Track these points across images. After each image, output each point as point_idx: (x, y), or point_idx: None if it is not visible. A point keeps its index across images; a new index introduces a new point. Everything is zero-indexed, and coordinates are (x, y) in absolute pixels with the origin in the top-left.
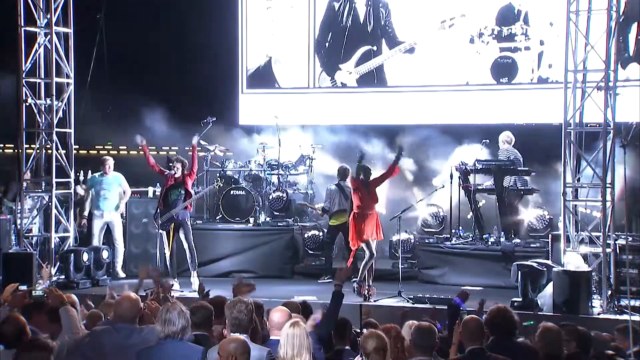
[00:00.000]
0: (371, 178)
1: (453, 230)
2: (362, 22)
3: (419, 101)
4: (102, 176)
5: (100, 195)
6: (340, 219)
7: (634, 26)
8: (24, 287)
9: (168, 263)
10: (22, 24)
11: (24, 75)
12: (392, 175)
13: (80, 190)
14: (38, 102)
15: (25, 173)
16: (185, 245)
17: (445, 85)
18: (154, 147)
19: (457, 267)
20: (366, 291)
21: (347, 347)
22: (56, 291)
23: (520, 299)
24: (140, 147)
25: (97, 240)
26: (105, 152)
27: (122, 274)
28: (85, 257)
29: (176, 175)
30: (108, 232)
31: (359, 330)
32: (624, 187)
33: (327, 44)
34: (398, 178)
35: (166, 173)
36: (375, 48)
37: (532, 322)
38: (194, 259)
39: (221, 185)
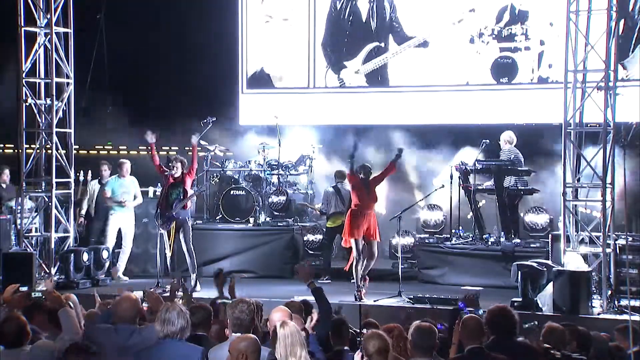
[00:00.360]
0: (371, 177)
1: (453, 230)
2: (364, 20)
3: (419, 101)
4: (120, 178)
5: (123, 197)
6: (336, 221)
7: (619, 25)
8: (24, 288)
9: (169, 263)
10: (22, 24)
11: (24, 75)
12: (390, 173)
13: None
14: (38, 102)
15: (4, 174)
16: (185, 249)
17: (445, 85)
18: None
19: (457, 267)
20: (363, 291)
21: (346, 348)
22: (54, 293)
23: (520, 299)
24: (148, 146)
25: (111, 241)
26: (105, 152)
27: (123, 277)
28: (85, 257)
29: (176, 175)
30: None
31: (358, 330)
32: (624, 187)
33: (331, 42)
34: (398, 178)
35: (166, 173)
36: (382, 45)
37: (535, 323)
38: (194, 263)
39: (217, 180)
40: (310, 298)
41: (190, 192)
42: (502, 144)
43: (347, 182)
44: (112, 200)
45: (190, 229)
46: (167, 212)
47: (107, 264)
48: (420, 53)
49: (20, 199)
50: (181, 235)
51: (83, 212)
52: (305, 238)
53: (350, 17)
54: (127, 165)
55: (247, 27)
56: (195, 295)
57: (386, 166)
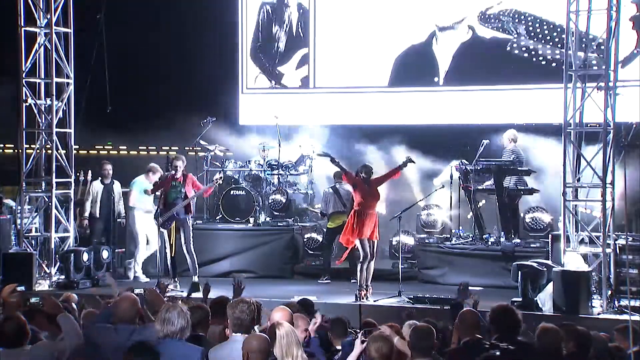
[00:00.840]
0: (373, 177)
1: (453, 230)
2: (294, 27)
3: (420, 101)
4: (147, 180)
5: (147, 203)
6: (336, 220)
7: None
8: (22, 288)
9: (169, 263)
10: (22, 24)
11: (24, 75)
12: (393, 177)
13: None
14: (38, 102)
15: None
16: (185, 250)
17: (445, 85)
18: (154, 147)
19: (457, 267)
20: (364, 291)
21: None
22: (51, 299)
23: (520, 299)
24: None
25: (143, 243)
26: (105, 152)
27: (131, 276)
28: (85, 257)
29: (177, 175)
30: (111, 232)
31: (358, 330)
32: (624, 186)
33: (261, 47)
34: (398, 179)
35: (166, 174)
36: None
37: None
38: (195, 266)
39: (221, 182)
40: (311, 297)
41: (191, 193)
42: (505, 142)
43: (345, 182)
44: (137, 204)
45: (191, 229)
46: (166, 212)
47: (107, 264)
48: (420, 53)
49: (20, 198)
50: (181, 236)
51: (86, 214)
52: (307, 235)
53: (283, 23)
54: (158, 174)
55: (247, 26)
56: (194, 295)
57: (391, 169)
